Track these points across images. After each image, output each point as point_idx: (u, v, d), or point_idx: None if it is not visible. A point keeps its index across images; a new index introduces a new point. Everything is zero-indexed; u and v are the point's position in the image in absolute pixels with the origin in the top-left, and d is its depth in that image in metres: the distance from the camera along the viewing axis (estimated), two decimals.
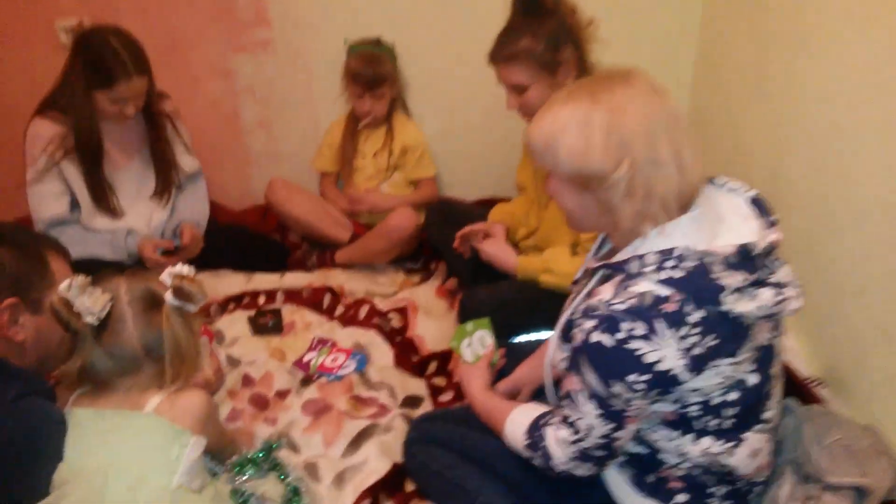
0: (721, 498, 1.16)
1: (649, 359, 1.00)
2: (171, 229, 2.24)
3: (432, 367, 1.95)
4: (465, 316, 1.89)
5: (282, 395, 1.84)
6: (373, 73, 2.32)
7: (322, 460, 1.63)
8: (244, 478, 1.35)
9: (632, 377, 1.01)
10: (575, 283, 1.31)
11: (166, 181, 2.23)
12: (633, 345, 0.99)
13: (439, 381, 1.90)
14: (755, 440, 1.12)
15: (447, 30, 2.44)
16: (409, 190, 2.56)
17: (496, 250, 1.89)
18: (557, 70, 1.69)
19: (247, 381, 1.88)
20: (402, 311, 2.15)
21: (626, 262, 1.07)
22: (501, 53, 1.71)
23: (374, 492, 1.52)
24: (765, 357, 1.08)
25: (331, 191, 2.59)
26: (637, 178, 1.04)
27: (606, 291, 1.06)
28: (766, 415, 1.13)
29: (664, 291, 1.00)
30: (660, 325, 0.98)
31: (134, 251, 2.10)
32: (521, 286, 1.86)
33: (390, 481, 1.55)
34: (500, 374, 1.53)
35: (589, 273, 1.21)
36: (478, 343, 1.55)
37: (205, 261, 2.27)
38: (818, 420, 1.34)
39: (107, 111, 1.99)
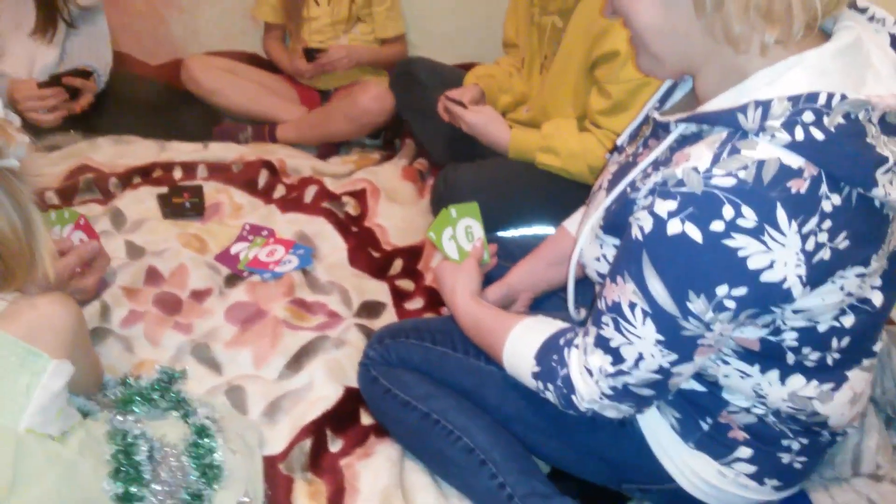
0: (794, 453, 0.93)
1: (756, 263, 0.73)
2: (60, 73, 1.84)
3: (397, 265, 1.60)
4: (439, 202, 1.62)
5: (199, 295, 1.46)
6: None
7: (250, 383, 1.28)
8: (131, 418, 0.96)
9: (723, 289, 0.75)
10: (615, 150, 1.02)
11: (49, 12, 1.82)
12: (734, 241, 0.72)
13: (405, 284, 1.55)
14: (859, 380, 0.90)
15: None
16: (374, 48, 2.15)
17: (486, 119, 1.56)
18: None
19: (152, 275, 1.48)
20: (360, 196, 1.77)
21: (736, 110, 0.74)
22: None
23: (318, 427, 1.20)
24: (893, 268, 0.84)
25: (276, 49, 2.18)
26: None
27: (699, 155, 0.75)
28: (877, 346, 0.91)
29: (795, 161, 0.72)
30: (780, 215, 0.71)
31: (3, 97, 1.65)
32: (511, 166, 1.57)
33: (340, 413, 1.24)
34: (487, 277, 1.23)
35: (651, 132, 0.90)
36: (463, 235, 1.22)
37: (106, 121, 1.92)
38: None
39: None
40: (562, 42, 1.48)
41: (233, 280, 1.50)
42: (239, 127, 2.02)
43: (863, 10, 0.83)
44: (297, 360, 1.32)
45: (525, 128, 1.59)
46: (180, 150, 1.88)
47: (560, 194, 1.48)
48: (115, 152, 1.86)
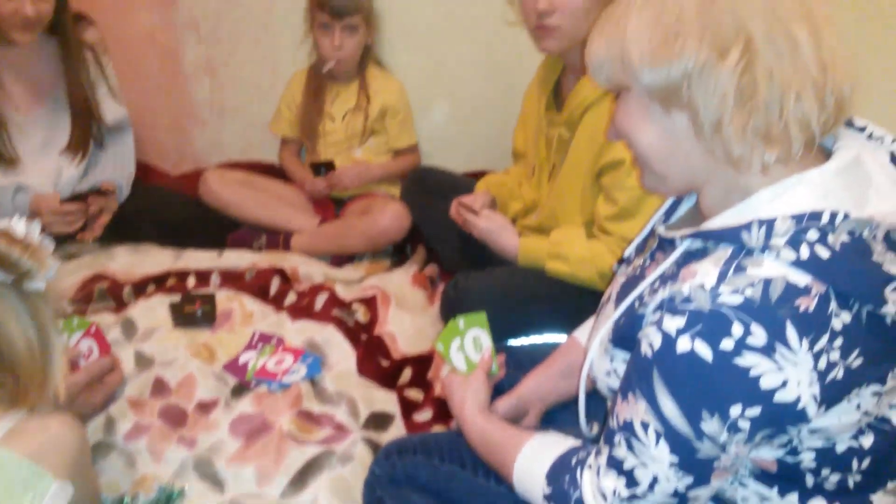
0: None
1: (768, 383, 0.71)
2: (84, 191, 1.89)
3: (406, 374, 1.56)
4: (449, 309, 1.61)
5: (205, 407, 1.43)
6: None
7: (252, 502, 1.24)
8: None
9: (736, 409, 0.73)
10: (622, 262, 1.01)
11: (83, 133, 1.90)
12: (745, 359, 0.71)
13: (415, 393, 1.51)
14: None
15: None
16: (388, 158, 2.20)
17: (495, 226, 1.58)
18: None
19: (159, 387, 1.46)
20: (370, 303, 1.75)
21: (740, 228, 0.74)
22: None
23: None
24: None
25: (292, 163, 2.22)
26: (756, 71, 0.72)
27: (706, 272, 0.75)
28: None
29: (801, 279, 0.71)
30: (791, 333, 0.70)
31: (25, 212, 1.68)
32: (521, 274, 1.56)
33: None
34: (496, 388, 1.20)
35: (657, 245, 0.90)
36: (471, 346, 1.20)
37: (125, 232, 1.95)
38: None
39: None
40: (569, 152, 1.52)
41: (240, 391, 1.47)
42: (254, 235, 2.04)
43: (861, 129, 0.84)
44: (302, 478, 1.27)
45: (534, 235, 1.59)
46: (195, 258, 1.89)
47: (570, 302, 1.46)
48: (131, 261, 1.88)
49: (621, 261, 1.03)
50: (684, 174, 0.82)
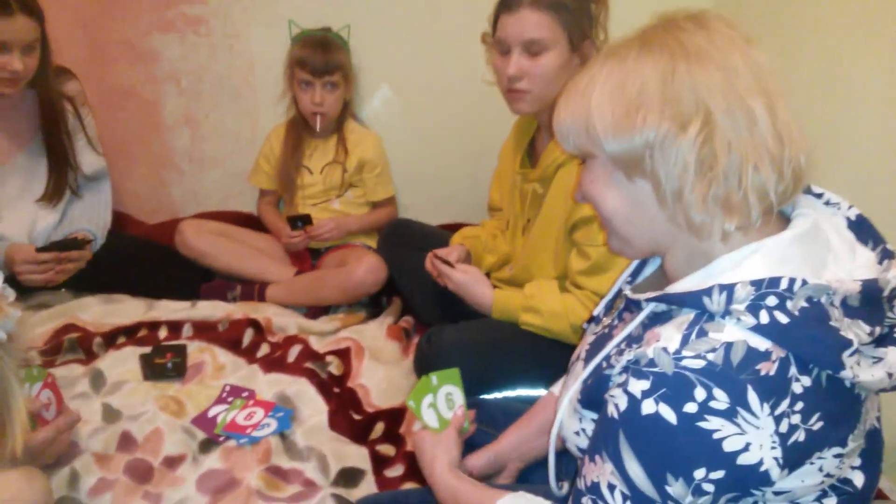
0: None
1: (731, 446, 0.71)
2: (59, 240, 1.88)
3: (378, 429, 1.55)
4: (423, 362, 1.60)
5: (172, 463, 1.40)
6: (324, 56, 2.01)
7: None
8: None
9: (700, 472, 0.73)
10: (592, 320, 1.02)
11: (59, 182, 1.89)
12: (708, 423, 0.71)
13: (386, 449, 1.50)
14: None
15: (406, 18, 2.14)
16: (366, 209, 2.20)
17: (470, 278, 1.58)
18: (583, 43, 1.42)
19: (125, 441, 1.43)
20: (344, 355, 1.74)
21: (701, 293, 0.76)
22: None
23: None
24: (871, 446, 0.81)
25: (270, 215, 2.23)
26: (715, 143, 0.75)
27: (669, 336, 0.76)
28: None
29: (762, 344, 0.72)
30: (752, 397, 0.71)
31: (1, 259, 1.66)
32: (496, 328, 1.57)
33: None
34: (468, 443, 1.19)
35: (625, 307, 0.91)
36: (444, 402, 1.18)
37: (97, 281, 1.93)
38: None
39: None
40: (542, 207, 1.54)
41: (208, 445, 1.44)
42: (228, 285, 2.03)
43: (818, 195, 0.87)
44: None
45: (508, 288, 1.61)
46: (168, 309, 1.87)
47: (544, 357, 1.47)
48: (102, 311, 1.85)
49: (591, 319, 1.04)
50: (648, 238, 0.85)
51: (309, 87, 2.02)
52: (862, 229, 0.84)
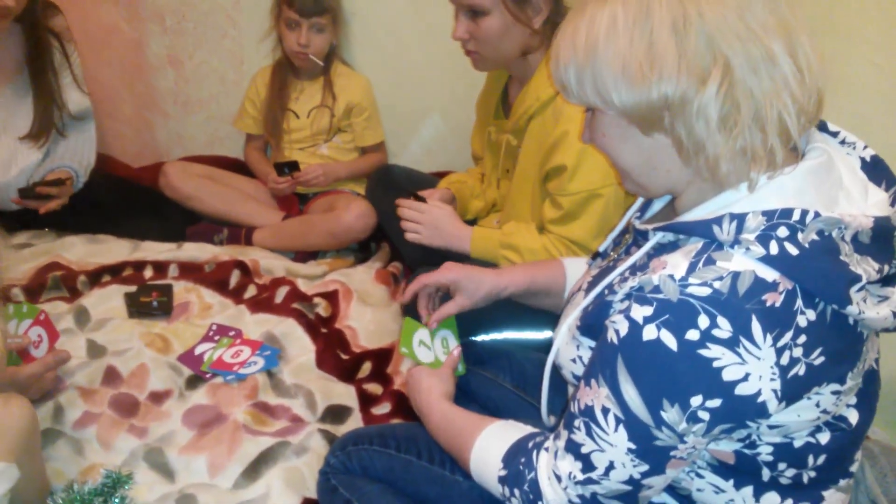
0: None
1: (730, 375, 0.72)
2: (39, 178, 1.85)
3: (365, 368, 1.55)
4: (409, 305, 1.53)
5: (157, 397, 1.40)
6: None
7: (204, 493, 1.21)
8: None
9: (697, 399, 0.73)
10: (597, 256, 1.02)
11: (45, 121, 1.85)
12: (709, 351, 0.71)
13: (373, 388, 1.50)
14: (836, 500, 0.86)
15: None
16: (354, 155, 2.16)
17: (445, 213, 1.54)
18: (526, 5, 1.36)
19: (111, 376, 1.43)
20: (331, 297, 1.74)
21: (711, 222, 0.75)
22: None
23: None
24: (868, 386, 0.82)
25: (256, 160, 2.20)
26: (736, 94, 0.72)
27: (675, 264, 0.75)
28: (854, 466, 0.87)
29: (769, 275, 0.72)
30: (756, 327, 0.70)
31: None
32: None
33: None
34: (459, 389, 1.16)
35: (633, 241, 0.90)
36: (439, 346, 1.18)
37: (82, 221, 1.91)
38: (883, 459, 1.12)
39: None
40: (518, 159, 1.53)
41: (195, 382, 1.44)
42: (215, 229, 2.01)
43: (834, 134, 0.85)
44: (255, 468, 1.25)
45: (487, 228, 1.60)
46: (153, 250, 1.86)
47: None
48: (87, 251, 1.84)
49: (596, 255, 1.03)
50: (666, 184, 0.83)
51: (296, 28, 1.97)
52: (876, 170, 0.83)
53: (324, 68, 2.08)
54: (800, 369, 0.72)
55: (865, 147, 0.84)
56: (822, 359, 0.73)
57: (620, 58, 0.74)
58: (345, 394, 1.46)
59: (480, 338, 1.53)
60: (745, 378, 0.71)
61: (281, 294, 1.71)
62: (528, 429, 0.94)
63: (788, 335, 0.71)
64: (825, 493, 0.84)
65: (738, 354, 0.71)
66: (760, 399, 0.72)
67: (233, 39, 2.19)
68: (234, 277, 1.77)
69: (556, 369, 0.98)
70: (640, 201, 0.98)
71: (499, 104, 1.61)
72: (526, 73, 1.46)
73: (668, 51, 0.72)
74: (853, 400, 0.80)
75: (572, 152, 1.33)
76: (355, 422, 1.41)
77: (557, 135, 1.35)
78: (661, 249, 0.82)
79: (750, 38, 0.72)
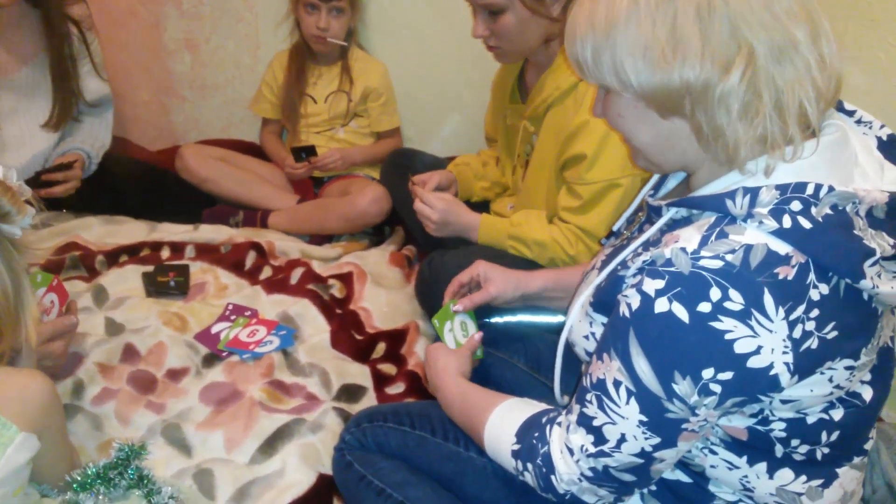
0: None
1: (742, 348, 0.71)
2: (53, 161, 1.87)
3: (380, 349, 1.56)
4: (424, 287, 1.61)
5: (175, 375, 1.41)
6: None
7: (220, 467, 1.22)
8: (88, 496, 0.92)
9: (709, 372, 0.73)
10: (611, 235, 1.02)
11: (63, 110, 1.86)
12: (721, 323, 0.71)
13: (388, 367, 1.51)
14: (849, 478, 0.86)
15: None
16: (371, 140, 2.16)
17: (453, 204, 1.55)
18: None
19: (129, 353, 1.44)
20: (346, 279, 1.74)
21: (724, 195, 0.74)
22: None
23: None
24: (883, 363, 0.82)
25: (272, 144, 2.21)
26: (759, 83, 0.72)
27: (688, 237, 0.75)
28: (868, 444, 0.88)
29: (782, 248, 0.72)
30: (768, 300, 0.70)
31: None
32: (494, 254, 1.52)
33: (312, 501, 1.18)
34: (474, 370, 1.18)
35: (646, 219, 0.91)
36: (459, 330, 1.19)
37: (98, 202, 1.92)
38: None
39: None
40: (535, 145, 1.52)
41: (211, 360, 1.46)
42: (231, 211, 2.02)
43: (850, 113, 0.85)
44: (271, 444, 1.27)
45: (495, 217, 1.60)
46: (170, 231, 1.87)
47: None
48: (104, 231, 1.85)
49: (610, 234, 1.03)
50: (679, 163, 0.83)
51: (314, 11, 1.97)
52: (893, 148, 0.82)
53: (341, 53, 2.08)
54: (812, 343, 0.72)
55: (882, 126, 0.84)
56: (835, 333, 0.73)
57: (642, 40, 0.73)
58: (359, 373, 1.47)
59: (495, 320, 1.54)
60: (758, 351, 0.71)
61: (296, 275, 1.72)
62: (541, 405, 0.95)
63: (801, 308, 0.71)
64: (839, 471, 0.84)
65: (751, 327, 0.70)
66: (773, 372, 0.72)
67: (249, 24, 2.19)
68: (250, 259, 1.78)
69: (569, 348, 0.98)
70: (654, 179, 0.98)
71: (515, 87, 1.60)
72: (546, 60, 1.45)
73: (692, 36, 0.71)
74: (867, 376, 0.80)
75: (592, 141, 1.33)
76: (369, 401, 1.41)
77: (578, 123, 1.35)
78: (675, 225, 0.82)
79: (774, 26, 0.71)
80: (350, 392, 1.42)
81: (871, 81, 1.34)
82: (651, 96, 0.76)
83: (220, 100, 2.31)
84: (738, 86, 0.72)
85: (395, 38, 2.17)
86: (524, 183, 1.59)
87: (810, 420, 0.79)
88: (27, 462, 0.89)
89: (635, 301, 0.75)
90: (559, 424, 0.87)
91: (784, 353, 0.71)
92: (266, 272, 1.75)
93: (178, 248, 1.79)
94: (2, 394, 0.89)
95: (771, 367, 0.72)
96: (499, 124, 1.69)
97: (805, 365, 0.73)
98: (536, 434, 0.88)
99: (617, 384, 0.78)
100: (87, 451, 1.23)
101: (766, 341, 0.71)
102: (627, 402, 0.78)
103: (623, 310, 0.77)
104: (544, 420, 0.89)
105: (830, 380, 0.76)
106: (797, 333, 0.71)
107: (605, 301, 0.87)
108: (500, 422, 0.94)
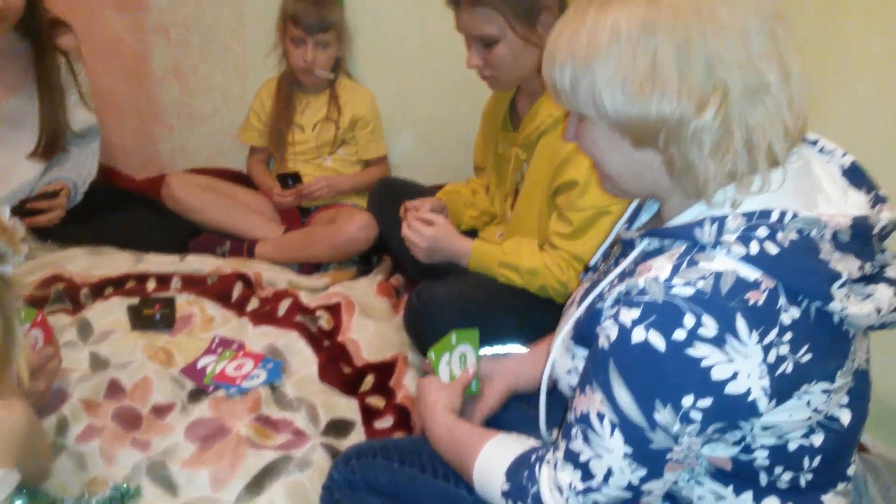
0: None
1: (719, 374, 0.72)
2: (39, 191, 1.87)
3: (368, 381, 1.55)
4: (413, 318, 1.60)
5: (160, 411, 1.40)
6: (318, 13, 1.96)
7: None
8: None
9: (688, 399, 0.74)
10: (588, 270, 1.03)
11: (50, 142, 1.86)
12: (697, 350, 0.72)
13: (376, 401, 1.50)
14: None
15: None
16: (357, 168, 2.17)
17: (445, 230, 1.54)
18: (537, 20, 1.38)
19: (114, 389, 1.43)
20: (334, 310, 1.73)
21: (693, 225, 0.76)
22: None
23: None
24: (859, 386, 0.83)
25: (259, 172, 2.20)
26: (731, 121, 0.74)
27: (660, 266, 0.77)
28: (851, 469, 0.88)
29: (751, 274, 0.73)
30: (741, 325, 0.72)
31: None
32: (485, 285, 1.55)
33: None
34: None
35: (621, 252, 0.91)
36: (457, 361, 1.17)
37: (83, 232, 1.91)
38: (887, 473, 1.16)
39: None
40: (527, 173, 1.54)
41: (197, 395, 1.44)
42: (217, 241, 2.00)
43: (813, 142, 0.87)
44: (258, 483, 1.25)
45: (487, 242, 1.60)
46: (156, 262, 1.85)
47: (535, 313, 1.47)
48: (89, 263, 1.83)
49: (587, 269, 1.04)
50: (647, 191, 0.85)
51: (301, 45, 1.98)
52: (856, 176, 0.85)
53: (329, 82, 2.09)
54: (787, 367, 0.73)
55: (844, 154, 0.86)
56: (809, 356, 0.74)
57: (622, 72, 0.74)
58: (347, 407, 1.46)
59: (484, 351, 1.54)
60: (734, 377, 0.72)
61: (283, 307, 1.71)
62: (530, 442, 0.95)
63: (774, 332, 0.72)
64: (824, 498, 0.85)
65: (726, 353, 0.72)
66: (751, 398, 0.73)
67: (237, 54, 2.20)
68: (237, 290, 1.76)
69: (554, 384, 0.98)
70: (627, 213, 1.00)
71: (506, 116, 1.62)
72: (539, 88, 1.47)
73: (671, 72, 0.73)
74: (845, 399, 0.81)
75: (584, 168, 1.34)
76: (358, 435, 1.40)
77: (570, 150, 1.36)
78: (647, 256, 0.83)
79: (749, 67, 0.73)
80: (338, 427, 1.41)
81: None
82: (626, 127, 0.78)
83: (207, 129, 2.31)
84: (711, 122, 0.73)
85: (382, 67, 2.18)
86: (514, 211, 1.60)
87: (792, 447, 0.80)
88: (6, 498, 0.87)
89: (613, 332, 0.77)
90: (548, 463, 0.87)
91: (760, 378, 0.73)
92: (253, 303, 1.73)
93: (164, 280, 1.78)
94: None
95: (748, 392, 0.73)
96: (489, 153, 1.70)
97: (782, 389, 0.74)
98: (526, 473, 0.88)
99: (600, 416, 0.79)
100: (72, 490, 1.21)
101: (742, 367, 0.72)
102: (612, 435, 0.78)
103: (602, 341, 0.78)
104: (533, 459, 0.89)
105: (808, 404, 0.77)
106: (772, 358, 0.72)
107: (585, 334, 0.87)
108: (490, 460, 0.94)
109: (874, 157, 0.90)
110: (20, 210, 1.76)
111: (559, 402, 1.02)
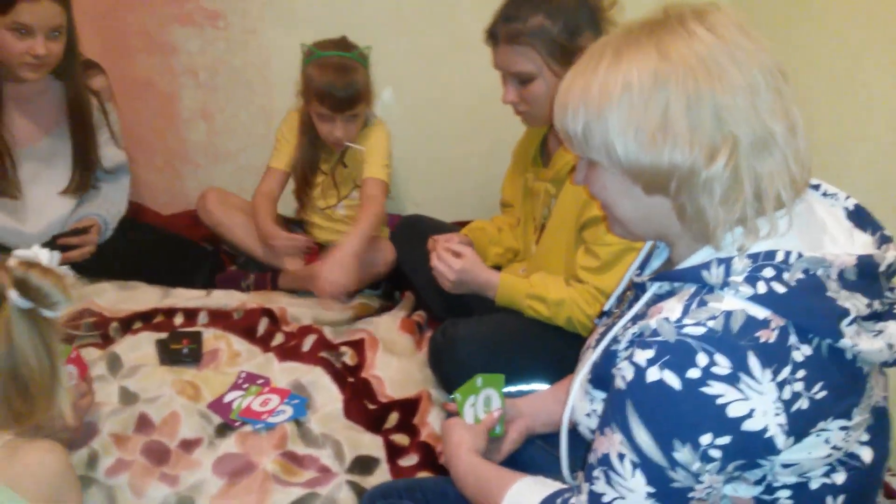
0: None
1: (735, 411, 0.73)
2: (69, 227, 1.90)
3: (393, 419, 1.55)
4: (437, 355, 1.60)
5: (188, 445, 1.41)
6: (347, 90, 1.84)
7: None
8: None
9: (707, 437, 0.74)
10: (603, 315, 1.04)
11: (83, 179, 1.90)
12: (712, 388, 0.73)
13: (401, 438, 1.50)
14: None
15: (417, 18, 2.14)
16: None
17: (472, 262, 1.54)
18: (572, 60, 1.37)
19: (143, 423, 1.44)
20: (358, 346, 1.75)
21: (700, 267, 0.79)
22: (505, 30, 1.43)
23: None
24: (879, 423, 0.83)
25: (264, 211, 2.02)
26: (741, 172, 0.76)
27: (671, 308, 0.78)
28: None
29: (760, 313, 0.74)
30: (753, 363, 0.73)
31: None
32: (510, 322, 1.56)
33: None
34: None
35: (634, 297, 0.92)
36: (482, 404, 1.18)
37: (112, 268, 1.94)
38: None
39: (10, 50, 1.65)
40: (554, 208, 1.56)
41: (224, 430, 1.45)
42: (242, 274, 2.03)
43: (815, 186, 0.90)
44: None
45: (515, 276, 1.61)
46: (183, 297, 1.88)
47: (559, 351, 1.47)
48: (118, 297, 1.86)
49: (602, 314, 1.06)
50: (656, 234, 0.88)
51: (329, 120, 1.88)
52: (860, 218, 0.87)
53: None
54: (802, 403, 0.74)
55: (847, 197, 0.88)
56: (823, 393, 0.75)
57: (634, 121, 0.77)
58: (372, 444, 1.47)
59: (507, 389, 1.54)
60: (751, 414, 0.73)
61: (308, 342, 1.72)
62: (556, 485, 0.95)
63: (787, 370, 0.73)
64: None
65: (740, 390, 0.72)
66: (768, 434, 0.74)
67: (262, 95, 2.26)
68: (262, 325, 1.79)
69: (574, 426, 0.99)
70: (639, 260, 1.02)
71: (538, 152, 1.65)
72: None
73: (682, 123, 0.75)
74: (865, 437, 0.81)
75: None
76: (383, 473, 1.41)
77: None
78: (659, 299, 0.85)
79: (757, 122, 0.76)
80: (363, 464, 1.41)
81: None
82: (638, 174, 0.80)
83: (231, 166, 2.36)
84: (721, 172, 0.76)
85: (401, 103, 2.22)
86: (539, 246, 1.62)
87: (814, 486, 0.80)
88: None
89: (629, 373, 0.78)
90: None
91: (776, 414, 0.73)
92: (278, 339, 1.75)
93: (191, 315, 1.80)
94: (16, 470, 0.90)
95: (766, 429, 0.74)
96: (518, 188, 1.73)
97: (799, 426, 0.75)
98: None
99: (621, 457, 0.79)
100: None
101: (758, 404, 0.73)
102: (633, 475, 0.78)
103: (618, 383, 0.79)
104: (559, 502, 0.89)
105: (827, 441, 0.78)
106: (786, 395, 0.73)
107: (602, 376, 0.89)
108: (516, 502, 0.94)
109: (894, 204, 0.92)
110: (52, 245, 1.80)
111: (579, 442, 1.03)
